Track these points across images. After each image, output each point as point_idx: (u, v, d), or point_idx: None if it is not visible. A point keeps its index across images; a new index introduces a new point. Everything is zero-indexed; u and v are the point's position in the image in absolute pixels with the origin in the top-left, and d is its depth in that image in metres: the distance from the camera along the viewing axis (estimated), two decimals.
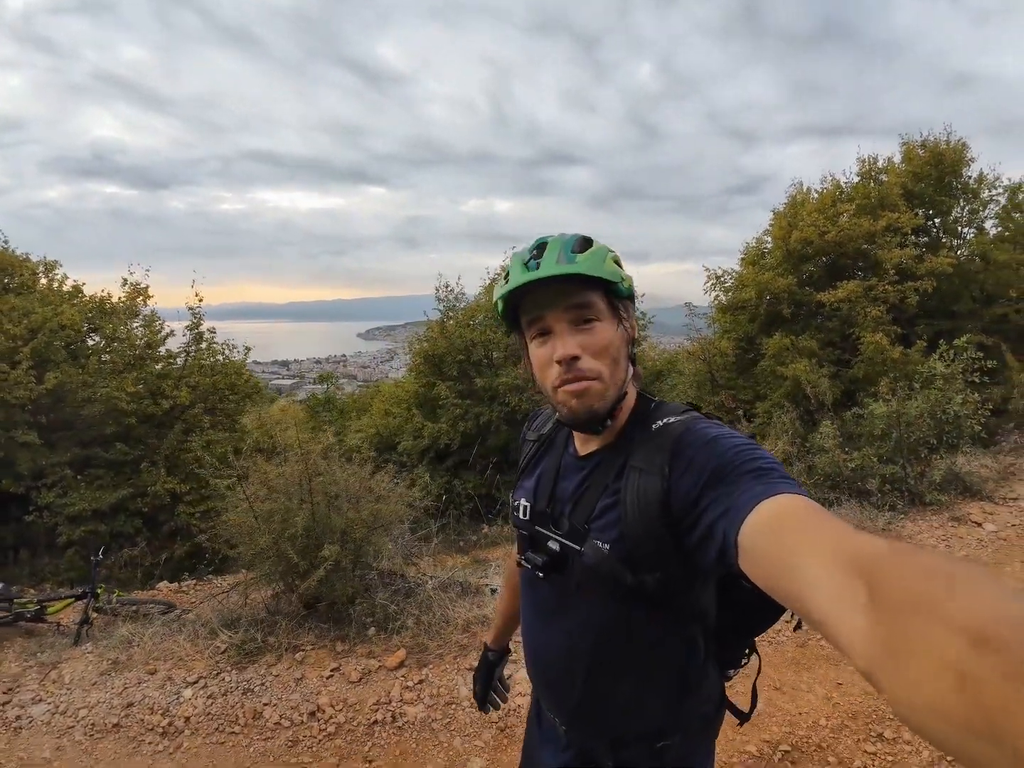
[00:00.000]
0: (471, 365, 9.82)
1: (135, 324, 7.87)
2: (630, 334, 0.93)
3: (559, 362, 0.85)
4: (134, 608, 4.51)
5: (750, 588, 1.00)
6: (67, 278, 8.25)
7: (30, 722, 3.06)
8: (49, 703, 3.18)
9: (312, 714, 2.94)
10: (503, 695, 1.40)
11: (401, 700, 3.02)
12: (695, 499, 0.75)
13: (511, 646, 1.42)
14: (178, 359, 8.01)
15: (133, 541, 6.19)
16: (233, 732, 2.89)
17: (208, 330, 8.18)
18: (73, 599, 4.53)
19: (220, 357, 8.23)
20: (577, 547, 0.91)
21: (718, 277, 12.12)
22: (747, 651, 1.10)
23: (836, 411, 8.42)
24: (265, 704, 3.02)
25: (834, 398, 8.67)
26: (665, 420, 0.89)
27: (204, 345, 8.20)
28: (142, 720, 3.00)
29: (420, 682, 3.16)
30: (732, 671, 1.10)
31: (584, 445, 0.98)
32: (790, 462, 7.08)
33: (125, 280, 8.04)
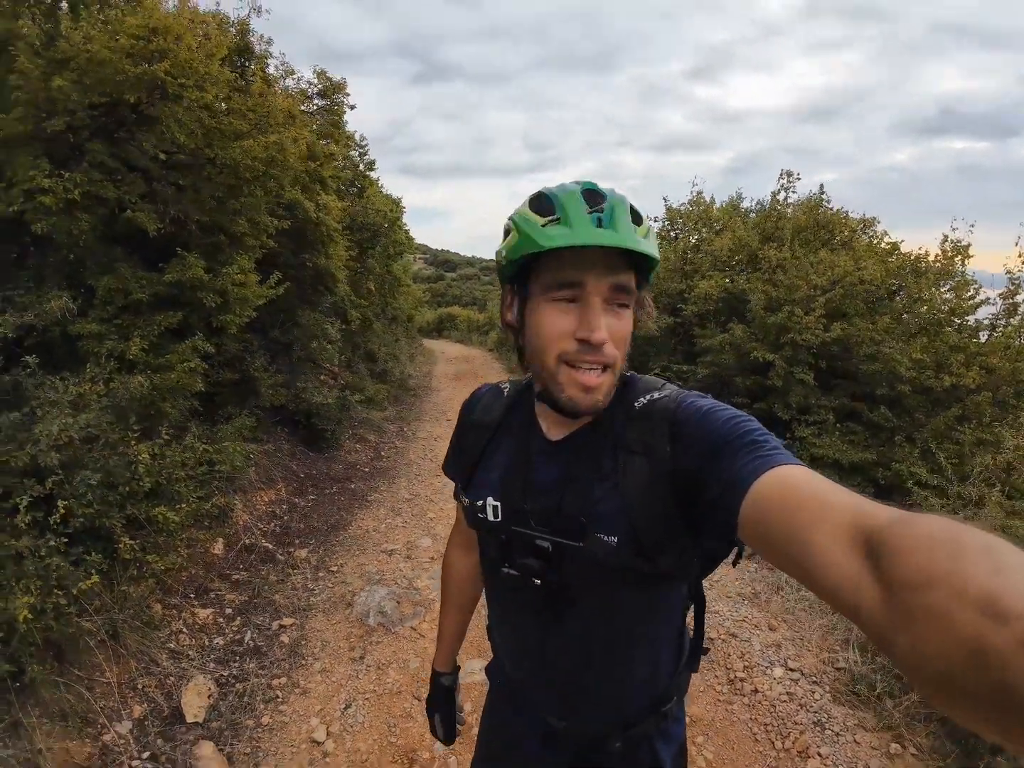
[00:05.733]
0: None
1: (944, 287, 7.14)
2: (636, 325, 0.86)
3: (584, 341, 0.75)
4: None
5: (716, 538, 0.84)
6: (886, 235, 8.26)
7: None
8: None
9: None
10: (461, 717, 1.25)
11: None
12: (696, 476, 0.70)
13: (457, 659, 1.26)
14: (981, 333, 6.79)
15: None
16: None
17: None
18: None
19: None
20: (576, 543, 0.81)
21: None
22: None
23: None
24: None
25: None
26: (649, 397, 0.82)
27: (1017, 320, 6.47)
28: None
29: None
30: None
31: (557, 429, 0.88)
32: None
33: (946, 237, 7.32)
